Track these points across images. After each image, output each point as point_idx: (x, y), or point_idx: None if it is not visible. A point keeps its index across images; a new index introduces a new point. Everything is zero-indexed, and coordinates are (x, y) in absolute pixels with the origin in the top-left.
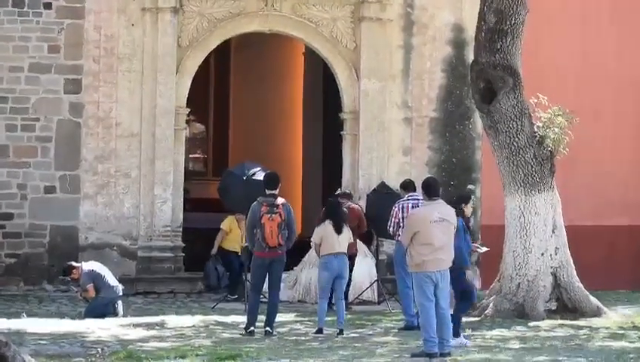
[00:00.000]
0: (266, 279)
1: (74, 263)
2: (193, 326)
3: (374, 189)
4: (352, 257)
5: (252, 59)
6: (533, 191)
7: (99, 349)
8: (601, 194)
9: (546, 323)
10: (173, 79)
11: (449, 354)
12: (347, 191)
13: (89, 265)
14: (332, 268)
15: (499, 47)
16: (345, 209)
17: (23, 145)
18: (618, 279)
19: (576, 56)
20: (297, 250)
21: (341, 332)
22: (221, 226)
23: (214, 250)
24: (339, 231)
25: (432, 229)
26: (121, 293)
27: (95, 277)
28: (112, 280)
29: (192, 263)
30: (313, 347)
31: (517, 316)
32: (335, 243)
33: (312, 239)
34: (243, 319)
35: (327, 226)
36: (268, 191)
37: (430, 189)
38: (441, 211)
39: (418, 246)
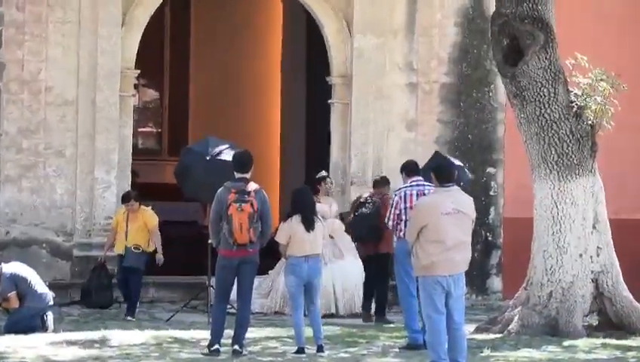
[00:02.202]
0: (235, 285)
1: None
2: (143, 343)
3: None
4: (386, 256)
5: (218, 9)
6: (569, 176)
7: None
8: None
9: (585, 342)
10: (119, 32)
11: None
12: (380, 177)
13: (11, 267)
14: (300, 274)
15: None
16: (377, 199)
17: None
18: None
19: (622, 5)
20: (273, 250)
21: (320, 349)
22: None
23: (104, 255)
24: (309, 227)
25: (444, 223)
26: (51, 303)
27: (18, 282)
28: (40, 286)
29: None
30: None
31: (549, 333)
32: (306, 243)
33: (276, 238)
34: (205, 334)
35: (295, 222)
36: (237, 175)
37: (442, 173)
38: (456, 200)
39: (426, 244)
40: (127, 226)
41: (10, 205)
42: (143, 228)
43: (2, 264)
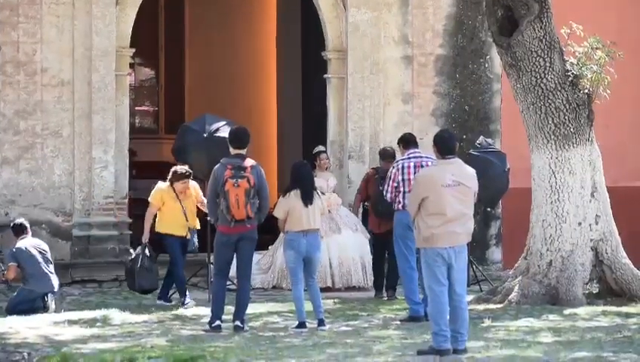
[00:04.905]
0: (234, 261)
1: (24, 221)
2: (144, 321)
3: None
4: None
5: None
6: (566, 145)
7: (24, 354)
8: None
9: (585, 310)
10: (113, 12)
11: (465, 351)
12: (388, 149)
13: (22, 243)
14: (299, 248)
15: None
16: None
17: None
18: None
19: None
20: (272, 225)
21: (321, 322)
22: (149, 199)
23: (145, 236)
24: (308, 202)
25: (444, 195)
26: (56, 289)
27: (20, 259)
28: (46, 270)
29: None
30: (294, 344)
31: (549, 302)
32: (303, 217)
33: (274, 213)
34: (206, 311)
35: (293, 197)
36: (234, 151)
37: (444, 144)
38: (457, 173)
39: (427, 217)
40: (182, 206)
41: (9, 187)
42: (194, 205)
43: (27, 233)
